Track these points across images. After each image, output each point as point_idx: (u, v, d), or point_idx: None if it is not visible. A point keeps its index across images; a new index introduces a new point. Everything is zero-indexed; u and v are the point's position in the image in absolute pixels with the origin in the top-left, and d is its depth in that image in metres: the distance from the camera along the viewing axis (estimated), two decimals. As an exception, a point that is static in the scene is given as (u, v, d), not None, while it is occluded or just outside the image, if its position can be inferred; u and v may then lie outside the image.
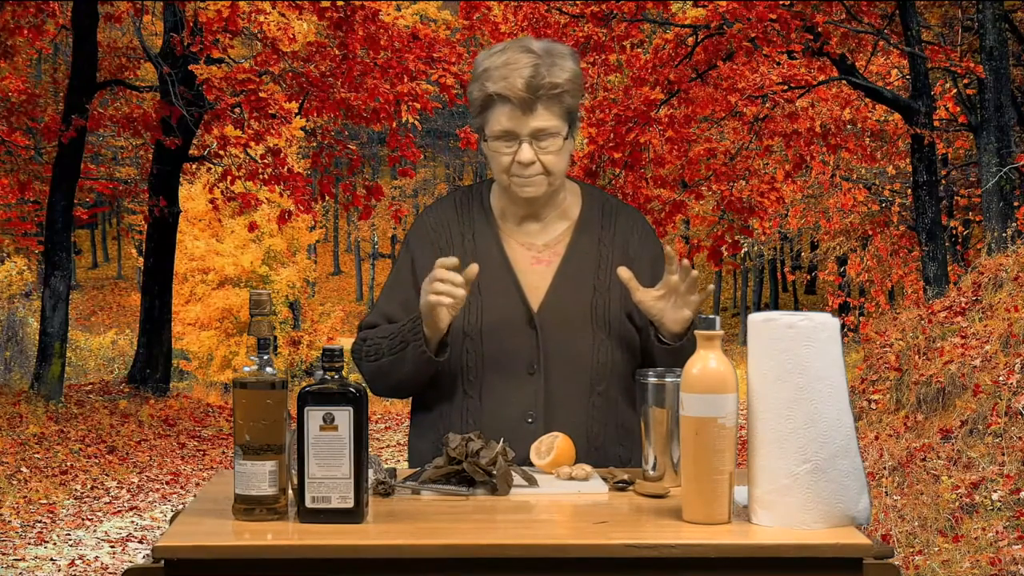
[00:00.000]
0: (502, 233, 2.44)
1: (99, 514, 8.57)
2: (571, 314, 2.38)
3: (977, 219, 16.21)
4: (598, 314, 2.39)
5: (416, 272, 2.41)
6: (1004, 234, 10.65)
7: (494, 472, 2.02)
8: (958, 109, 14.86)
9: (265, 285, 24.83)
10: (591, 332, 2.37)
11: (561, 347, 2.35)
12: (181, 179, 16.14)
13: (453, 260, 2.22)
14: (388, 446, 12.69)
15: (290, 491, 1.91)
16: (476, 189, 2.51)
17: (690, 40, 12.95)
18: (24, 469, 9.47)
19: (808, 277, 29.67)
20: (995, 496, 5.68)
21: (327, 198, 15.98)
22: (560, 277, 2.41)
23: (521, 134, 2.31)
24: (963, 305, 8.64)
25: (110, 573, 6.86)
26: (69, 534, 7.87)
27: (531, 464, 2.20)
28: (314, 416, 1.84)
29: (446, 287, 2.21)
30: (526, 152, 2.31)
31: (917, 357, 8.22)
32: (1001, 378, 6.89)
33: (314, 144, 14.83)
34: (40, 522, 8.11)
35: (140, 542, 7.74)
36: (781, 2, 11.97)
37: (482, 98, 2.33)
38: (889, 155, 16.47)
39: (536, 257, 2.43)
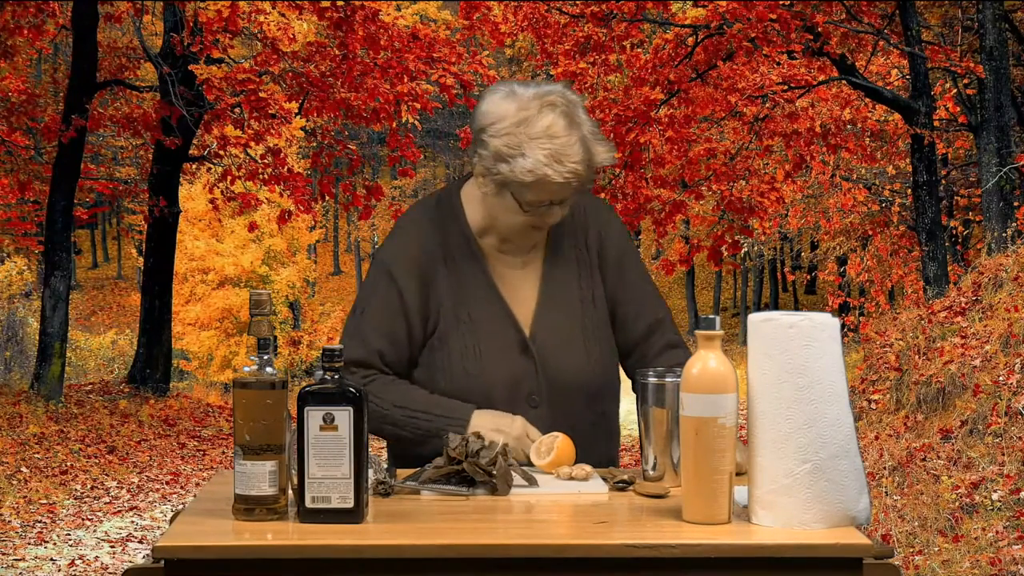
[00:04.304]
0: (483, 252, 2.37)
1: (99, 514, 8.57)
2: (563, 334, 2.34)
3: (977, 219, 16.21)
4: (588, 330, 2.36)
5: (406, 307, 2.31)
6: (1004, 234, 10.65)
7: (494, 472, 2.02)
8: (958, 109, 14.86)
9: (265, 285, 24.83)
10: (585, 350, 2.34)
11: (559, 373, 2.32)
12: (181, 179, 16.14)
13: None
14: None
15: (290, 491, 1.91)
16: (447, 202, 2.40)
17: (690, 40, 12.94)
18: (24, 469, 9.47)
19: (808, 277, 29.67)
20: (995, 496, 5.68)
21: (327, 198, 15.98)
22: (545, 292, 2.37)
23: (556, 201, 2.27)
24: (963, 305, 8.63)
25: (110, 573, 6.86)
26: (69, 534, 7.87)
27: (531, 464, 2.20)
28: (314, 416, 1.84)
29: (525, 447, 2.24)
30: (557, 215, 2.28)
31: (917, 357, 8.22)
32: (1001, 378, 6.89)
33: (314, 144, 14.83)
34: (40, 522, 8.11)
35: (140, 542, 7.74)
36: (781, 2, 11.97)
37: (532, 175, 2.20)
38: (889, 155, 16.47)
39: (518, 272, 2.38)
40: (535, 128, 2.20)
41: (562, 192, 2.24)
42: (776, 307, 36.61)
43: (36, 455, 10.05)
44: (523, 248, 2.37)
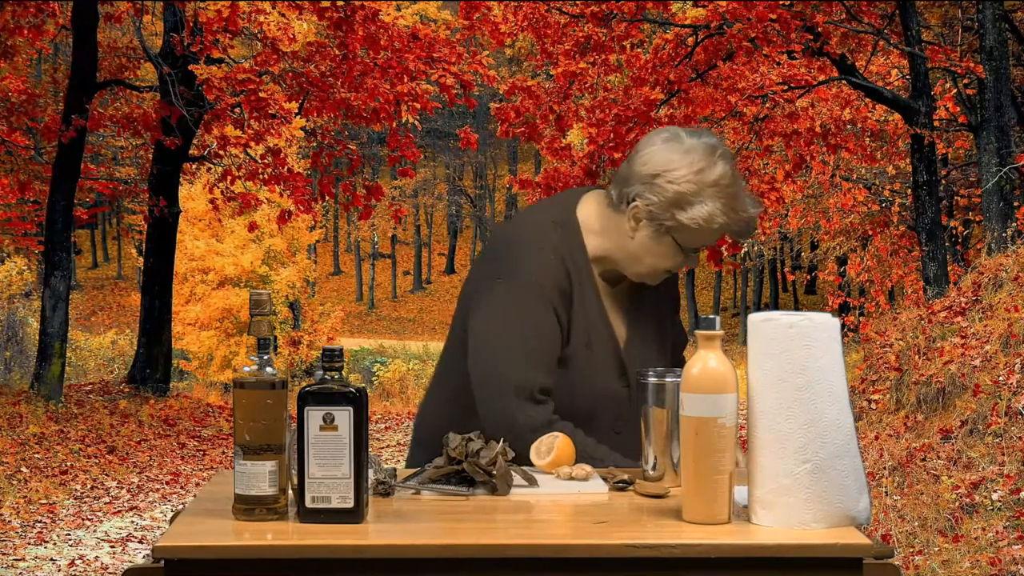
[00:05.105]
0: (597, 280, 2.39)
1: (99, 514, 8.58)
2: (647, 362, 2.37)
3: (977, 219, 16.21)
4: (663, 359, 2.43)
5: (560, 328, 2.29)
6: (1004, 234, 10.65)
7: (494, 472, 2.02)
8: (958, 109, 14.86)
9: (265, 285, 24.82)
10: None
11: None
12: (181, 179, 16.14)
13: None
14: (388, 446, 12.68)
15: (290, 491, 1.91)
16: (569, 226, 2.38)
17: (690, 40, 12.95)
18: (24, 469, 9.47)
19: (808, 277, 29.69)
20: (995, 496, 5.68)
21: (327, 198, 15.98)
22: (633, 322, 2.42)
23: (703, 247, 2.35)
24: (963, 305, 8.64)
25: (110, 573, 6.86)
26: (69, 534, 7.87)
27: (531, 464, 2.20)
28: (314, 416, 1.84)
29: None
30: (694, 261, 2.36)
31: (917, 357, 8.22)
32: (1001, 378, 6.89)
33: (314, 144, 14.83)
34: (40, 522, 8.11)
35: (140, 542, 7.74)
36: (781, 2, 11.98)
37: (709, 222, 2.25)
38: (889, 155, 16.48)
39: (611, 301, 2.42)
40: (711, 176, 2.25)
41: (717, 239, 2.31)
42: (776, 307, 36.63)
43: (36, 455, 10.05)
44: (619, 279, 2.41)
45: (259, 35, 13.73)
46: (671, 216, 2.26)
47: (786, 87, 12.92)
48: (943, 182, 16.14)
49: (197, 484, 9.95)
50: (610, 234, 2.35)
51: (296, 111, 13.89)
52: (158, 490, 9.67)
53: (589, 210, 2.39)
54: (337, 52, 13.07)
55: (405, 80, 13.13)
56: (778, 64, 13.00)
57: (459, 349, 2.38)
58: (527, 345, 2.27)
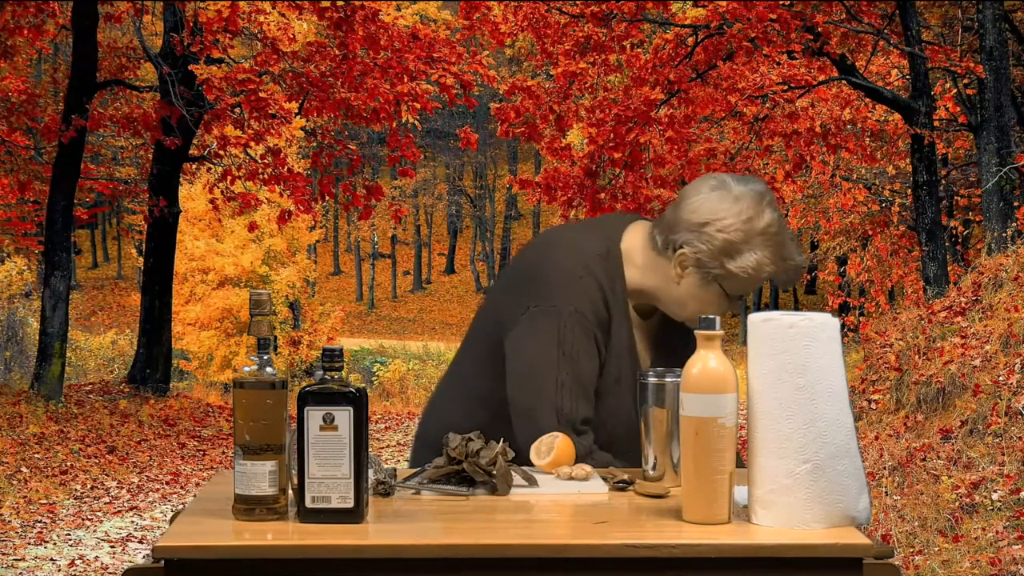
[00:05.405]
0: (631, 312, 2.39)
1: (99, 514, 8.58)
2: None
3: (977, 219, 16.21)
4: None
5: (601, 360, 2.31)
6: (1004, 234, 10.65)
7: (494, 472, 2.02)
8: (958, 109, 14.86)
9: (265, 285, 24.82)
10: None
11: None
12: (181, 179, 16.14)
13: None
14: (388, 446, 12.69)
15: (290, 491, 1.91)
16: (613, 258, 2.37)
17: (690, 40, 12.95)
18: (24, 469, 9.48)
19: (808, 277, 29.67)
20: (995, 496, 5.68)
21: (327, 198, 15.99)
22: (658, 355, 2.42)
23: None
24: (963, 305, 8.64)
25: (110, 573, 6.86)
26: (69, 534, 7.87)
27: (531, 464, 2.20)
28: (314, 416, 1.84)
29: None
30: (736, 304, 2.36)
31: (917, 357, 8.22)
32: (1001, 378, 6.89)
33: (314, 144, 14.84)
34: (40, 522, 8.11)
35: (140, 542, 7.74)
36: (781, 2, 11.98)
37: (759, 271, 2.25)
38: (889, 155, 16.48)
39: (638, 332, 2.42)
40: (760, 225, 2.24)
41: (758, 285, 2.31)
42: (776, 307, 36.62)
43: (36, 455, 10.05)
44: (651, 312, 2.41)
45: (259, 35, 13.73)
46: (720, 264, 2.26)
47: (786, 87, 12.92)
48: (943, 182, 16.14)
49: (197, 484, 9.95)
50: (652, 273, 2.34)
51: (296, 111, 13.89)
52: (158, 490, 9.67)
53: (633, 243, 2.38)
54: (337, 52, 13.07)
55: (405, 80, 13.13)
56: (778, 64, 13.01)
57: (486, 361, 2.37)
58: (571, 374, 2.28)
